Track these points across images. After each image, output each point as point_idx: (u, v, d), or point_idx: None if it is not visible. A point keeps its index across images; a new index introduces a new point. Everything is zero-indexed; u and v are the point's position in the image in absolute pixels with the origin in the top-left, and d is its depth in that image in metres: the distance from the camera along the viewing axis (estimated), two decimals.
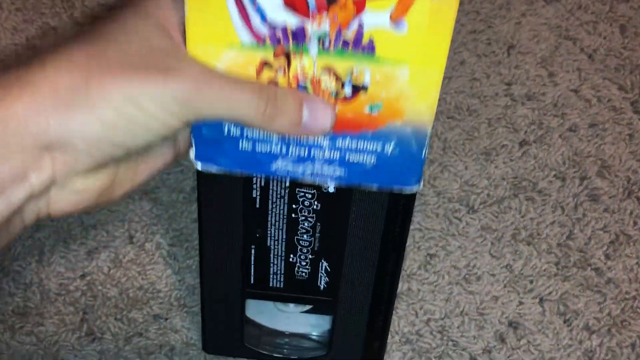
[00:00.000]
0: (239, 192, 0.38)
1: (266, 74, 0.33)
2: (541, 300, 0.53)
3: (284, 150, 0.36)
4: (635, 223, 0.56)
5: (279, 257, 0.41)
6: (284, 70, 0.33)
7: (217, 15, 0.32)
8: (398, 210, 0.39)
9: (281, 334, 0.47)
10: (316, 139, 0.35)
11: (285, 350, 0.48)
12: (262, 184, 0.38)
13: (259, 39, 0.32)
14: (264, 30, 0.32)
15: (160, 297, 0.52)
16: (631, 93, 0.62)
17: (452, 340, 0.51)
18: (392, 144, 0.35)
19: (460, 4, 0.66)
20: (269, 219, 0.39)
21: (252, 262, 0.42)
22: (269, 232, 0.40)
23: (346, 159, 0.36)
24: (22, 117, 0.30)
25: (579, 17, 0.67)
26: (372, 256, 0.41)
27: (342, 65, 0.33)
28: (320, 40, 0.32)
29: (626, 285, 0.53)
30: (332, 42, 0.32)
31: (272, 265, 0.42)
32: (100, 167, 0.33)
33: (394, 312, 0.51)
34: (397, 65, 0.33)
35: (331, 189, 0.38)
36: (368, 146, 0.35)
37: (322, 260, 0.41)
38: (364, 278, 0.42)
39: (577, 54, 0.65)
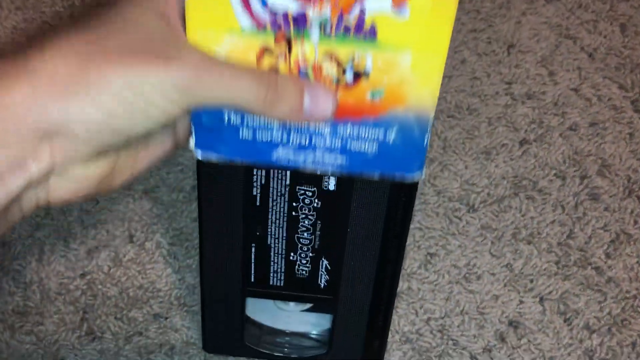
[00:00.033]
0: (239, 190, 0.38)
1: (267, 60, 0.33)
2: (541, 300, 0.52)
3: (284, 138, 0.35)
4: (635, 222, 0.56)
5: (279, 256, 0.41)
6: (285, 56, 0.33)
7: (217, 0, 0.32)
8: (399, 206, 0.38)
9: (281, 332, 0.47)
10: (317, 127, 0.35)
11: (285, 349, 0.47)
12: (263, 181, 0.38)
13: (260, 25, 0.32)
14: (264, 15, 0.32)
15: (160, 296, 0.52)
16: (631, 92, 0.62)
17: (452, 340, 0.51)
18: (394, 131, 0.35)
19: (461, 2, 0.66)
20: (270, 217, 0.39)
21: (253, 261, 0.42)
22: (269, 230, 0.40)
23: (348, 147, 0.36)
24: (20, 104, 0.30)
25: (580, 16, 0.67)
26: (372, 254, 0.41)
27: (343, 50, 0.33)
28: (322, 25, 0.32)
29: (626, 285, 0.53)
30: (334, 28, 0.32)
31: (272, 263, 0.42)
32: (100, 155, 0.33)
33: (394, 311, 0.51)
34: (399, 51, 0.33)
35: (331, 186, 0.38)
36: (370, 134, 0.35)
37: (323, 259, 0.41)
38: (364, 276, 0.42)
39: (577, 52, 0.64)
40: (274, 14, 0.32)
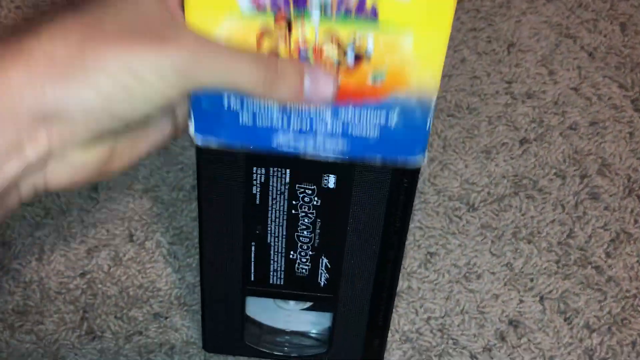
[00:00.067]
0: (239, 189, 0.38)
1: (267, 44, 0.32)
2: (541, 299, 0.52)
3: (285, 123, 0.35)
4: (635, 221, 0.56)
5: (279, 254, 0.41)
6: (285, 38, 0.32)
7: None
8: (399, 203, 0.38)
9: (281, 332, 0.47)
10: (318, 111, 0.34)
11: (285, 348, 0.47)
12: (262, 180, 0.38)
13: (260, 6, 0.32)
14: None
15: (160, 296, 0.52)
16: (631, 91, 0.62)
17: (453, 339, 0.51)
18: (396, 115, 0.34)
19: (461, 2, 0.66)
20: (269, 215, 0.39)
21: (252, 260, 0.42)
22: (269, 228, 0.40)
23: (349, 131, 0.35)
24: (16, 87, 0.30)
25: (580, 15, 0.67)
26: (372, 252, 0.41)
27: (344, 31, 0.32)
28: (322, 6, 0.32)
29: (627, 284, 0.53)
30: (334, 8, 0.32)
31: (272, 262, 0.42)
32: (98, 140, 0.33)
33: (394, 310, 0.51)
34: (400, 32, 0.32)
35: (331, 184, 0.38)
36: (371, 118, 0.35)
37: (322, 257, 0.41)
38: (364, 274, 0.42)
39: (577, 52, 0.64)
40: None
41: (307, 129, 0.35)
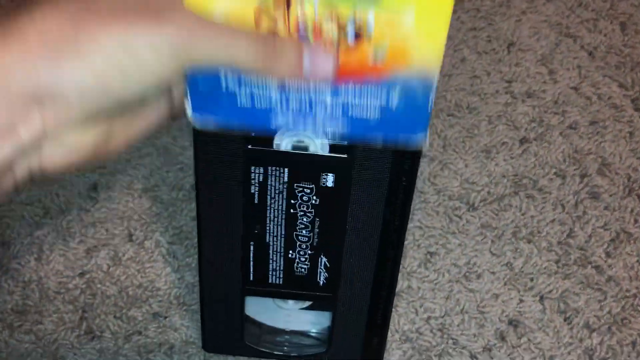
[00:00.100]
0: (237, 188, 0.38)
1: (265, 23, 0.32)
2: (541, 298, 0.52)
3: (284, 105, 0.34)
4: (635, 221, 0.56)
5: (278, 254, 0.41)
6: (284, 16, 0.32)
7: None
8: (397, 202, 0.38)
9: (281, 331, 0.47)
10: (317, 93, 0.34)
11: (285, 348, 0.47)
12: (261, 179, 0.38)
13: None
14: None
15: (159, 295, 0.52)
16: (632, 90, 0.62)
17: (452, 339, 0.51)
18: (397, 93, 0.33)
19: (461, 1, 0.66)
20: (268, 214, 0.39)
21: (251, 259, 0.41)
22: (267, 228, 0.40)
23: (349, 112, 0.34)
24: (9, 66, 0.29)
25: (580, 15, 0.67)
26: (371, 251, 0.41)
27: (344, 9, 0.31)
28: None
29: (627, 283, 0.53)
30: None
31: (271, 261, 0.41)
32: (94, 121, 0.32)
33: (394, 310, 0.51)
34: (401, 9, 0.31)
35: (329, 183, 0.38)
36: (372, 97, 0.34)
37: (321, 256, 0.41)
38: (363, 273, 0.42)
39: (577, 51, 0.64)
40: None
41: (307, 110, 0.34)
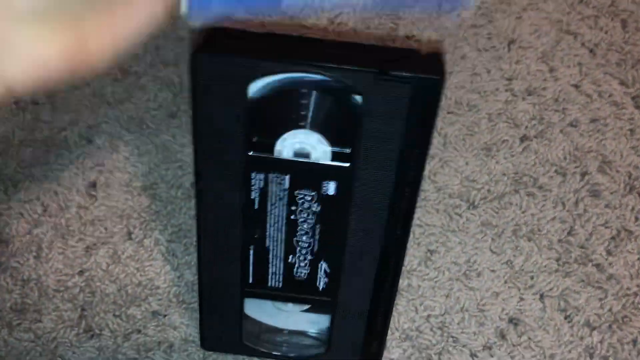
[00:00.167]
0: (237, 192, 0.38)
1: None
2: (542, 297, 0.52)
3: None
4: (636, 219, 0.56)
5: (278, 258, 0.41)
6: None
7: None
8: (400, 208, 0.38)
9: (280, 331, 0.47)
10: None
11: (284, 348, 0.47)
12: (261, 185, 0.37)
13: None
14: None
15: (158, 294, 0.52)
16: (632, 88, 0.62)
17: (452, 337, 0.51)
18: None
19: None
20: (268, 220, 0.39)
21: (251, 263, 0.41)
22: (267, 233, 0.40)
23: None
24: None
25: (580, 12, 0.66)
26: (372, 258, 0.40)
27: None
28: None
29: (627, 281, 0.53)
30: None
31: (270, 265, 0.41)
32: (52, 18, 0.25)
33: (393, 308, 0.51)
34: None
35: (331, 191, 0.37)
36: None
37: (322, 262, 0.41)
38: (363, 279, 0.42)
39: (578, 48, 0.64)
40: None
41: None
